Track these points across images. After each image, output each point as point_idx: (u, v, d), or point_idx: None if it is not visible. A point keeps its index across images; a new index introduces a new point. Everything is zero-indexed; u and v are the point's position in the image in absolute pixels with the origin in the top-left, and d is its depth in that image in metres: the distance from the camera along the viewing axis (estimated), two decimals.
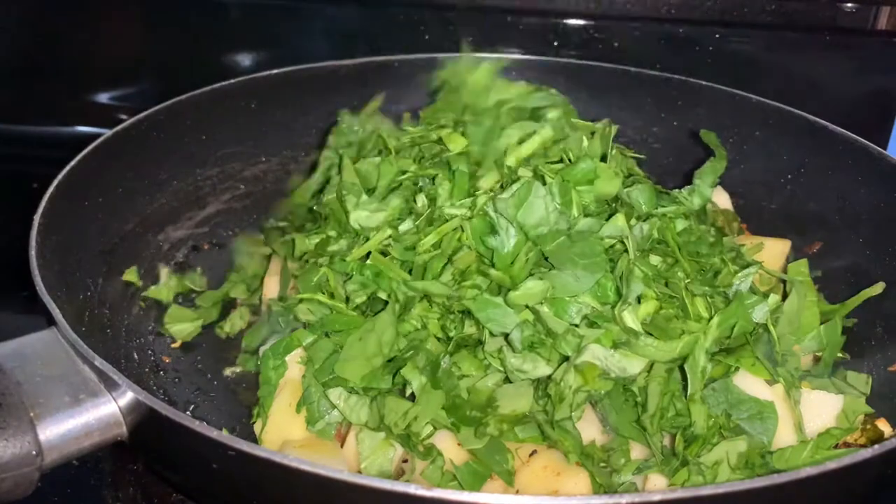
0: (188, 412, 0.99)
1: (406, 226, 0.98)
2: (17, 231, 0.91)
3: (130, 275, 1.07)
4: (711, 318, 0.88)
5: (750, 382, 0.88)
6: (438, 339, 0.90)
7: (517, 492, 0.81)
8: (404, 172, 1.04)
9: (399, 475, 0.86)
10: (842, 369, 0.99)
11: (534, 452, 0.83)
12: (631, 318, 0.85)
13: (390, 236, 0.97)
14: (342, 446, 0.90)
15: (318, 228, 1.06)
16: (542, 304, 0.86)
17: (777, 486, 0.65)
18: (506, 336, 0.86)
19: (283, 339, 0.95)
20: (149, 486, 0.94)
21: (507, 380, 0.87)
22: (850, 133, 1.17)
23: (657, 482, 0.83)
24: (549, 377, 0.85)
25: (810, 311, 0.98)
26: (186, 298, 1.15)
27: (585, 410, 0.86)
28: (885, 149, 1.17)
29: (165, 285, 1.11)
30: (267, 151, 1.30)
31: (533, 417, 0.84)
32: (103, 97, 1.62)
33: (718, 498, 0.65)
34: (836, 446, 0.87)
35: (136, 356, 1.03)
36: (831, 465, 0.67)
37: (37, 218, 0.92)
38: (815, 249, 1.18)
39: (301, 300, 0.97)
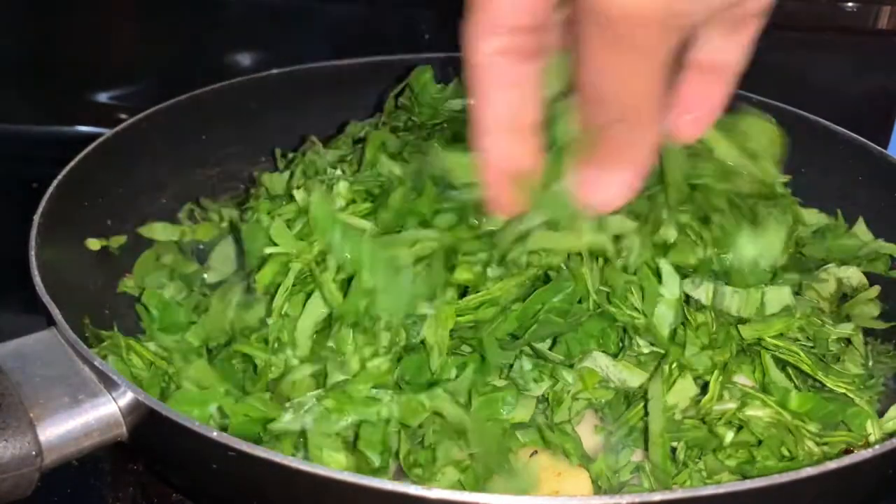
0: None
1: None
2: (17, 231, 0.91)
3: (127, 284, 1.07)
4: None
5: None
6: None
7: None
8: None
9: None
10: None
11: (534, 453, 0.83)
12: (644, 343, 0.86)
13: None
14: None
15: None
16: None
17: (777, 486, 0.65)
18: (509, 368, 0.86)
19: None
20: (149, 486, 0.94)
21: None
22: (850, 132, 1.17)
23: None
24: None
25: None
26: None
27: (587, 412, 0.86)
28: (885, 148, 1.17)
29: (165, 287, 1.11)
30: (267, 151, 1.29)
31: (533, 420, 0.84)
32: (103, 97, 1.61)
33: (718, 498, 0.65)
34: None
35: None
36: (831, 465, 0.67)
37: (37, 218, 0.92)
38: None
39: None
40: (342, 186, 0.96)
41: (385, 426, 0.80)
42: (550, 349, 0.86)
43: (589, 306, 0.85)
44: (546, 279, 0.86)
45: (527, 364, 0.84)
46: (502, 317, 0.85)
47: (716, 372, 0.82)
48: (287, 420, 0.80)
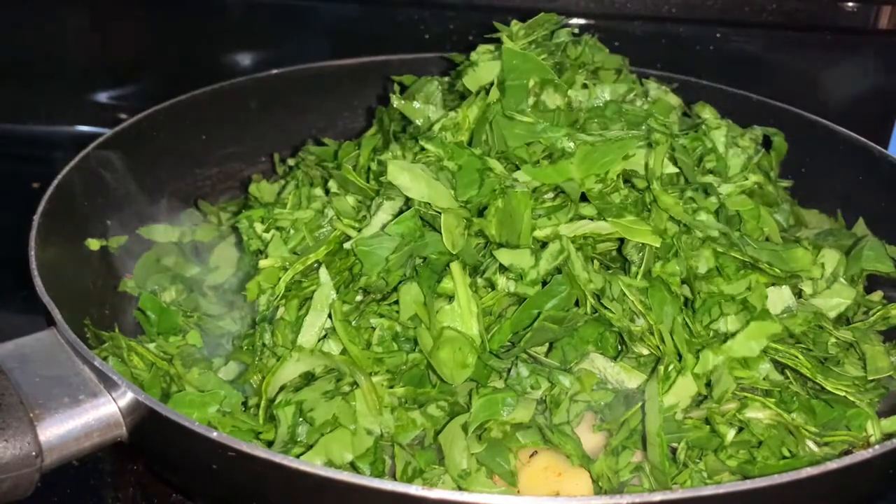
0: None
1: None
2: (17, 231, 0.91)
3: (128, 284, 1.07)
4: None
5: None
6: None
7: (517, 493, 0.81)
8: None
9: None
10: None
11: (534, 453, 0.83)
12: (644, 347, 0.86)
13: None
14: None
15: None
16: None
17: (777, 486, 0.65)
18: (507, 372, 0.86)
19: None
20: (149, 486, 0.94)
21: None
22: (850, 132, 1.17)
23: None
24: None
25: None
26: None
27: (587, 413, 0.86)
28: (885, 148, 1.17)
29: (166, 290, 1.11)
30: (267, 151, 1.30)
31: (534, 421, 0.84)
32: (103, 97, 1.62)
33: (718, 498, 0.65)
34: None
35: None
36: (831, 465, 0.67)
37: (37, 218, 0.92)
38: None
39: None
40: (341, 204, 0.96)
41: (377, 440, 0.81)
42: (546, 355, 0.86)
43: (587, 309, 0.85)
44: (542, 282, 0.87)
45: (524, 370, 0.84)
46: (497, 326, 0.85)
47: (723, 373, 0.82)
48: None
